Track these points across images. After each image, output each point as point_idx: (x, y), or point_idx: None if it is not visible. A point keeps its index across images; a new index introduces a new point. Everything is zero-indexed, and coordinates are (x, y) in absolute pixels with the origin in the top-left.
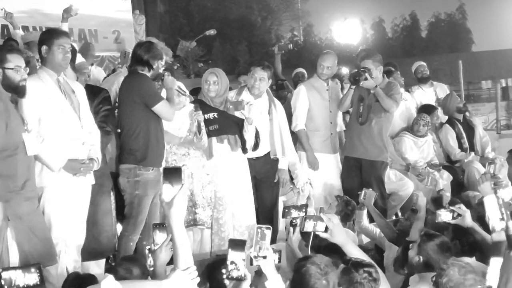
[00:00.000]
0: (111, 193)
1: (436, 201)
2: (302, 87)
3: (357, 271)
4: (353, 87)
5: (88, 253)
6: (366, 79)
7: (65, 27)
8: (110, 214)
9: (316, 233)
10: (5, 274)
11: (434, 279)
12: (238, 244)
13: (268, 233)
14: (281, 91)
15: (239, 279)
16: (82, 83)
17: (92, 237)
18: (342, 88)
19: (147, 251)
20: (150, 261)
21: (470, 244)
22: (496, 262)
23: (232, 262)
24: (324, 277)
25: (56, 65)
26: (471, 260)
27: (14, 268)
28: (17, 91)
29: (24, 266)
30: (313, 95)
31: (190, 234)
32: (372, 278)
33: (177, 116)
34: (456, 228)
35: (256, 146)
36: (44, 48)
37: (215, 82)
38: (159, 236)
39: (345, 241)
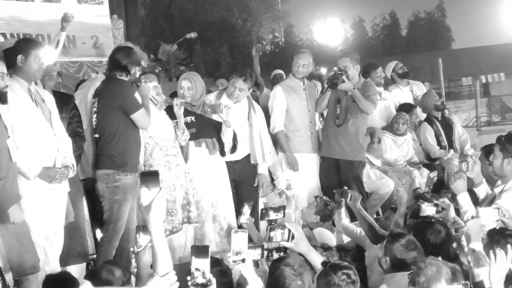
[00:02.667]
0: (83, 199)
1: (419, 198)
2: (279, 88)
3: (335, 273)
4: (330, 89)
5: (71, 257)
6: (343, 81)
7: (63, 36)
8: (83, 219)
9: (281, 242)
10: None
11: (410, 277)
12: (201, 251)
13: (245, 236)
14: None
15: (205, 285)
16: (50, 89)
17: (76, 240)
18: (323, 89)
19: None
20: (134, 263)
21: (432, 245)
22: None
23: (196, 269)
24: (299, 277)
25: (30, 75)
26: None
27: None
28: (0, 98)
29: None
30: (291, 96)
31: (190, 231)
32: (350, 280)
33: (159, 119)
34: (416, 229)
35: (234, 148)
36: (20, 57)
37: (189, 88)
38: (143, 238)
39: (309, 249)
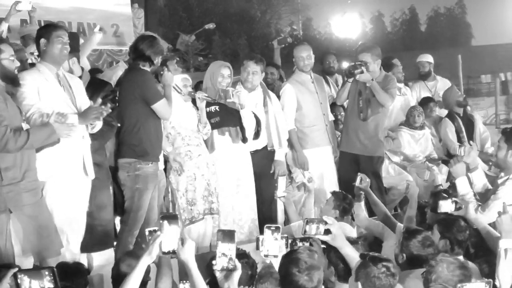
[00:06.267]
0: (110, 188)
1: (436, 196)
2: (288, 85)
3: (375, 265)
4: (350, 80)
5: (94, 244)
6: (362, 72)
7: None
8: (108, 207)
9: (317, 236)
10: (18, 276)
11: (423, 275)
12: (227, 235)
13: (279, 232)
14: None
15: (230, 270)
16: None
17: (100, 227)
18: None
19: None
20: None
21: (457, 241)
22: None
23: (223, 254)
24: (307, 272)
25: (56, 57)
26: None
27: (28, 270)
28: (13, 80)
29: (37, 268)
30: (301, 91)
31: (209, 221)
32: (390, 273)
33: (184, 109)
34: (441, 225)
35: (257, 134)
36: (42, 41)
37: (228, 76)
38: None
39: (345, 244)
